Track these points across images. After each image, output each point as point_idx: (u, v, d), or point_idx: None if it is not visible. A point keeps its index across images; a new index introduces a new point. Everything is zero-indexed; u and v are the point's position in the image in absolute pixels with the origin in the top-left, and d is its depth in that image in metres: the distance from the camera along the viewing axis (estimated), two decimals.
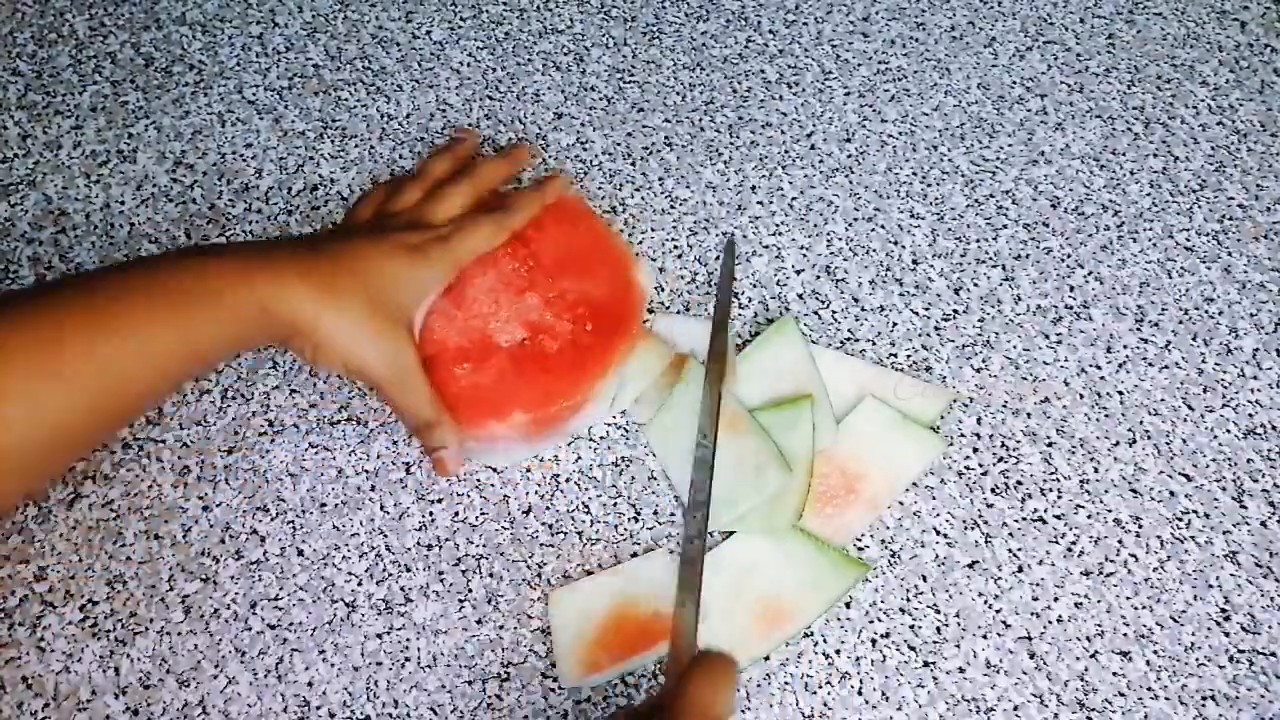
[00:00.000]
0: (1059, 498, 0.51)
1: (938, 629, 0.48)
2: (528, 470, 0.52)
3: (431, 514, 0.50)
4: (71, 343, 0.40)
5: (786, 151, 0.63)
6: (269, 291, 0.43)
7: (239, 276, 0.43)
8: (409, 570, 0.49)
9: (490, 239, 0.52)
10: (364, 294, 0.46)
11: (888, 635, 0.47)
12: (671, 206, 0.60)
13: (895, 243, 0.59)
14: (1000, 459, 0.52)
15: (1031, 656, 0.47)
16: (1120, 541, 0.50)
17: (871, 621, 0.48)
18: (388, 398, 0.47)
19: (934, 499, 0.51)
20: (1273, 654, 0.47)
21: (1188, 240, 0.60)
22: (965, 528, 0.50)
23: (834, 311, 0.57)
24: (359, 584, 0.48)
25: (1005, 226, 0.60)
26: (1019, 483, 0.52)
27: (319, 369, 0.52)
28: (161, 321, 0.42)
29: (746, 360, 0.53)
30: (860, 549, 0.49)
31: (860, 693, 0.46)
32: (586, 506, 0.51)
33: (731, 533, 0.49)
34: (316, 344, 0.45)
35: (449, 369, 0.50)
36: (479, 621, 0.48)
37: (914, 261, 0.59)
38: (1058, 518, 0.51)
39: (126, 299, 0.42)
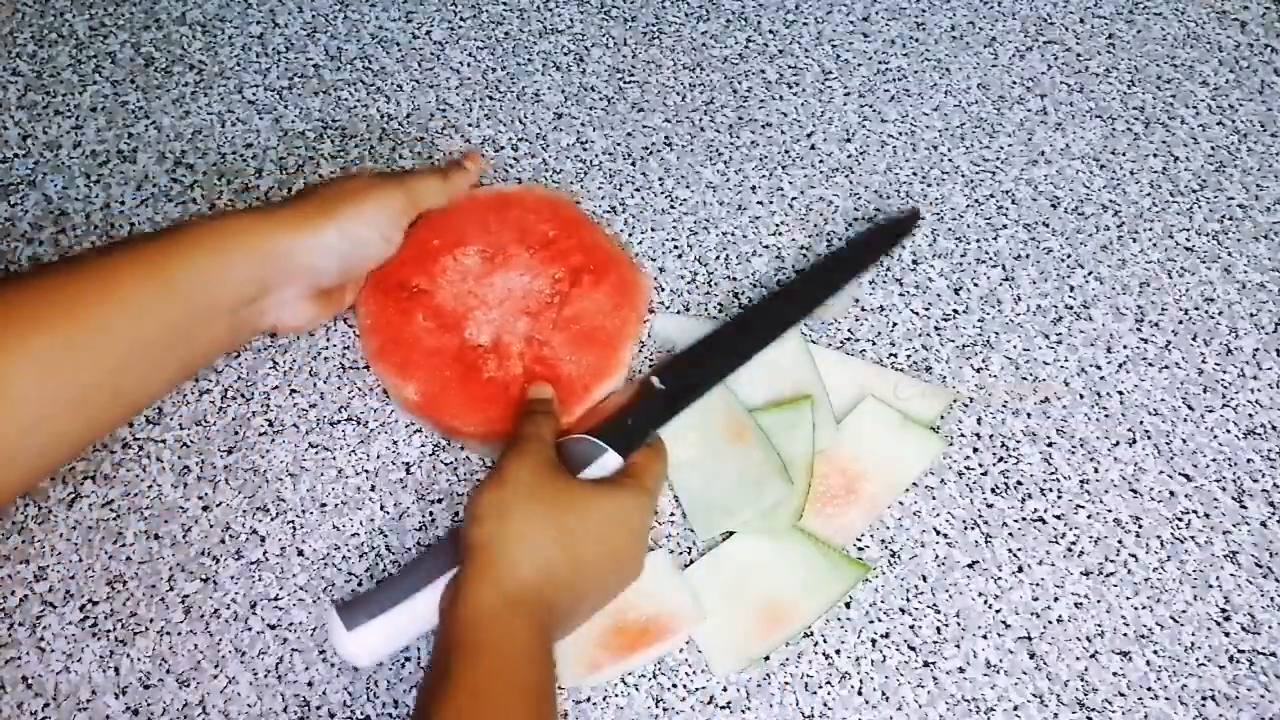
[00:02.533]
0: (1059, 498, 0.51)
1: (938, 629, 0.48)
2: None
3: (431, 514, 0.50)
4: (81, 313, 0.41)
5: (786, 151, 0.63)
6: (249, 229, 0.45)
7: (219, 234, 0.45)
8: None
9: (439, 191, 0.53)
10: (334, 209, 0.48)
11: (888, 635, 0.47)
12: (671, 206, 0.60)
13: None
14: (1000, 459, 0.52)
15: (1031, 656, 0.47)
16: (1120, 541, 0.50)
17: (871, 621, 0.48)
18: (410, 202, 0.51)
19: (934, 499, 0.51)
20: (1273, 654, 0.47)
21: (1188, 240, 0.60)
22: (965, 528, 0.50)
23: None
24: (359, 584, 0.48)
25: (1005, 226, 0.60)
26: (1019, 483, 0.52)
27: (312, 307, 0.50)
28: (159, 281, 0.43)
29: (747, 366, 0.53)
30: (860, 549, 0.49)
31: (860, 693, 0.46)
32: None
33: (731, 533, 0.49)
34: (307, 264, 0.46)
35: (408, 291, 0.53)
36: None
37: (914, 261, 0.59)
38: (1058, 518, 0.51)
39: (122, 268, 0.43)
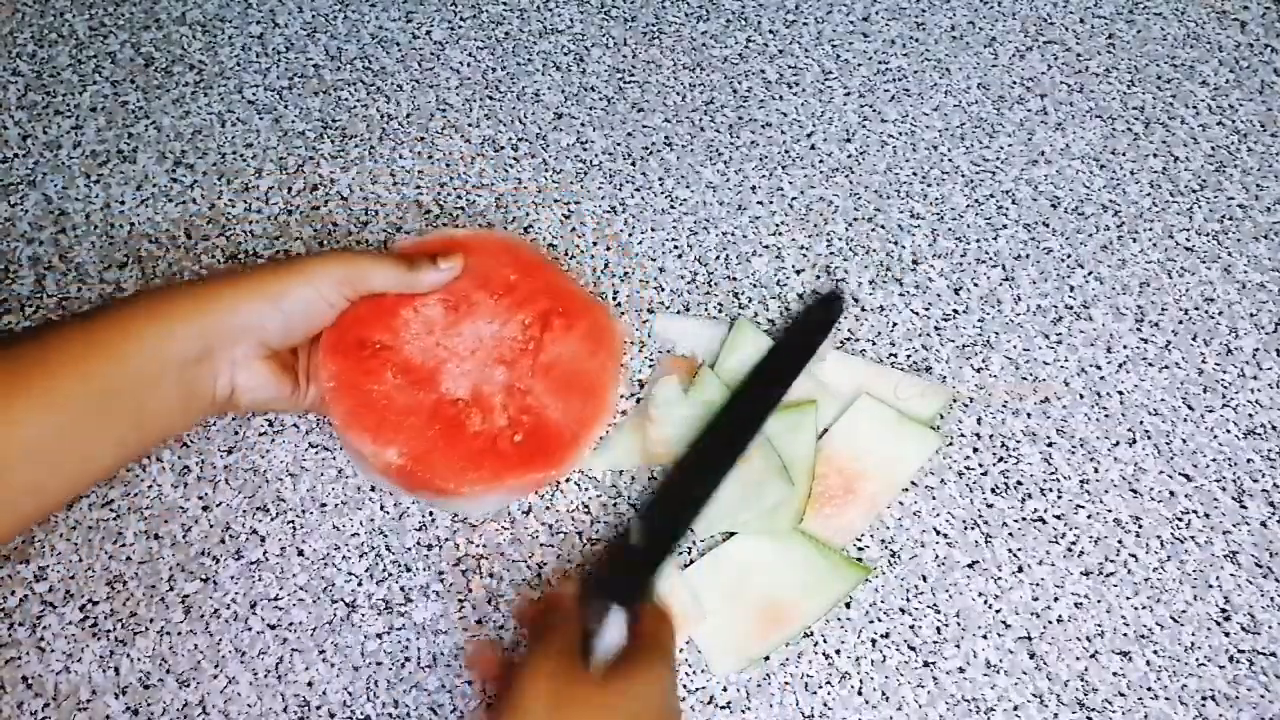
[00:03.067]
0: (1059, 498, 0.51)
1: (938, 629, 0.48)
2: None
3: (431, 514, 0.50)
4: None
5: (786, 151, 0.63)
6: (188, 292, 0.45)
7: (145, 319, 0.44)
8: (409, 570, 0.49)
9: (394, 279, 0.49)
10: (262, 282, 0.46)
11: (888, 635, 0.47)
12: (671, 206, 0.60)
13: (895, 243, 0.59)
14: (1000, 459, 0.52)
15: (1031, 656, 0.47)
16: (1120, 541, 0.50)
17: (871, 621, 0.48)
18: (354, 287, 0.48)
19: (934, 499, 0.51)
20: (1273, 654, 0.47)
21: (1188, 240, 0.60)
22: (965, 528, 0.50)
23: None
24: (359, 584, 0.48)
25: (1005, 226, 0.60)
26: (1019, 483, 0.51)
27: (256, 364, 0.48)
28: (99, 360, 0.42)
29: (721, 372, 0.53)
30: (860, 549, 0.49)
31: (860, 693, 0.46)
32: (586, 506, 0.51)
33: (732, 533, 0.49)
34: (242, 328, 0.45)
35: (367, 349, 0.49)
36: (479, 622, 0.48)
37: (914, 261, 0.59)
38: (1058, 518, 0.51)
39: (62, 335, 0.43)
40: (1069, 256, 0.59)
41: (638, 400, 0.53)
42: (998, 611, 0.48)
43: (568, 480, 0.51)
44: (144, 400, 0.43)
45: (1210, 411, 0.54)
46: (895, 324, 0.56)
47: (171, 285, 0.46)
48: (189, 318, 0.44)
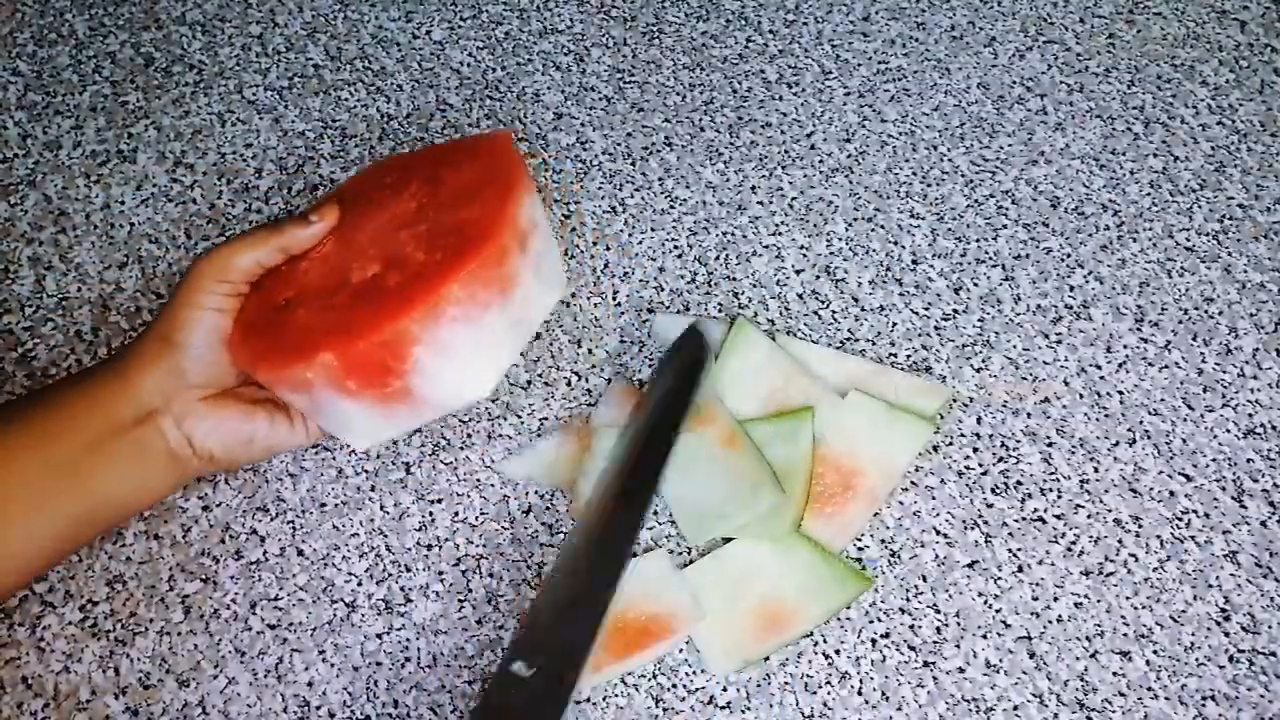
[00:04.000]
0: (1059, 498, 0.51)
1: (938, 629, 0.48)
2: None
3: (431, 514, 0.50)
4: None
5: (786, 151, 0.63)
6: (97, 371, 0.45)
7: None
8: (409, 570, 0.49)
9: (256, 251, 0.46)
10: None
11: (888, 635, 0.47)
12: (671, 206, 0.60)
13: (895, 243, 0.59)
14: (1000, 459, 0.52)
15: (1031, 656, 0.47)
16: (1120, 541, 0.50)
17: (871, 621, 0.48)
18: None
19: (934, 499, 0.51)
20: (1273, 654, 0.47)
21: (1188, 240, 0.60)
22: (965, 528, 0.50)
23: (834, 311, 0.57)
24: (359, 584, 0.48)
25: (1005, 226, 0.60)
26: (1019, 483, 0.52)
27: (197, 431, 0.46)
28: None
29: (722, 372, 0.53)
30: (860, 548, 0.49)
31: (860, 693, 0.46)
32: None
33: (732, 538, 0.49)
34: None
35: (298, 312, 0.44)
36: (479, 621, 0.48)
37: (914, 261, 0.59)
38: (1058, 518, 0.51)
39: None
40: (1069, 256, 0.59)
41: (587, 419, 0.53)
42: (998, 611, 0.48)
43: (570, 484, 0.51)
44: (89, 473, 0.43)
45: (1210, 411, 0.54)
46: (895, 324, 0.56)
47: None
48: (108, 383, 0.44)
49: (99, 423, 0.44)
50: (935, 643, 0.47)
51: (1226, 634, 0.48)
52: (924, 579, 0.49)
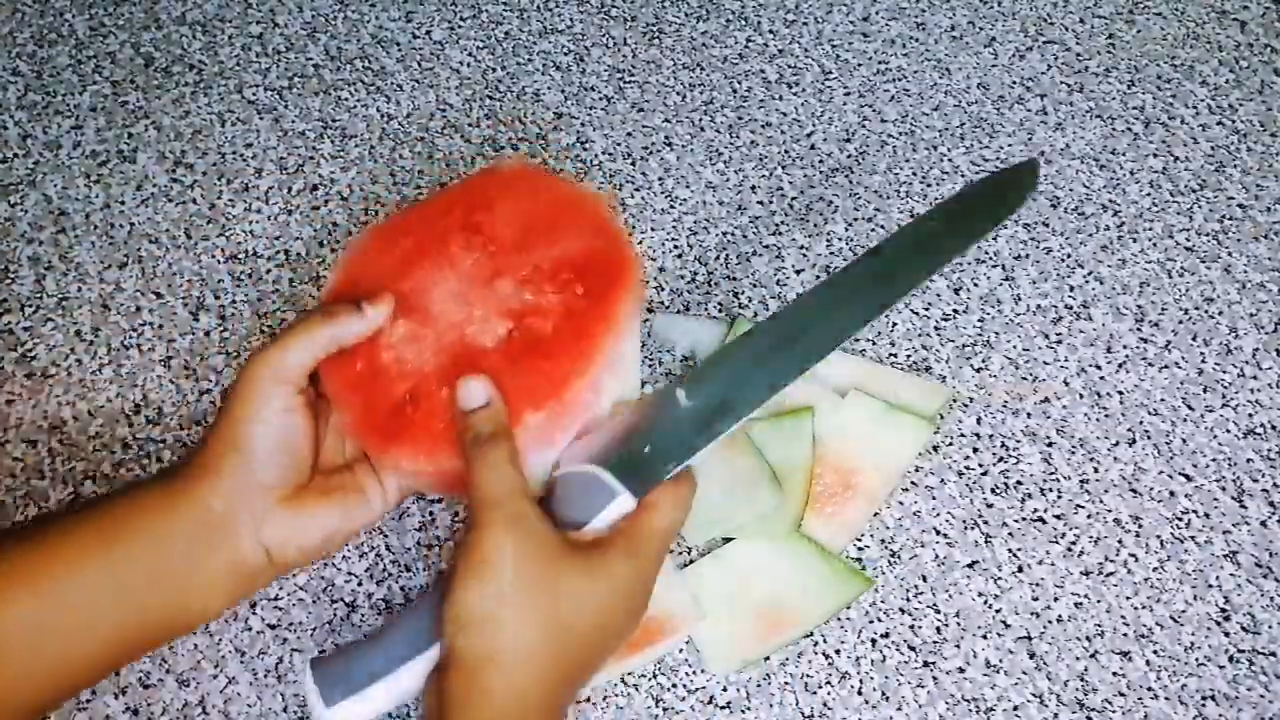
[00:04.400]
0: (1059, 498, 0.51)
1: (938, 629, 0.48)
2: None
3: (431, 514, 0.50)
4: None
5: (786, 151, 0.63)
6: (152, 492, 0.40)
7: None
8: (409, 570, 0.49)
9: (308, 347, 0.41)
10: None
11: (888, 635, 0.47)
12: (671, 206, 0.60)
13: None
14: (1000, 459, 0.52)
15: (1031, 656, 0.47)
16: (1120, 541, 0.50)
17: (871, 621, 0.48)
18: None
19: (934, 499, 0.51)
20: (1273, 654, 0.47)
21: (1188, 240, 0.60)
22: (965, 528, 0.50)
23: None
24: (359, 584, 0.48)
25: (1005, 226, 0.60)
26: (1019, 483, 0.51)
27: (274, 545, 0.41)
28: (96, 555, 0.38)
29: None
30: (860, 548, 0.49)
31: (860, 693, 0.46)
32: None
33: (732, 537, 0.49)
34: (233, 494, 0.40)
35: (436, 397, 0.41)
36: None
37: None
38: (1058, 518, 0.51)
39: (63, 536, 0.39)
40: (1069, 256, 0.59)
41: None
42: (998, 611, 0.48)
43: None
44: (152, 594, 0.39)
45: (1210, 411, 0.54)
46: (895, 324, 0.56)
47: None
48: (172, 500, 0.40)
49: (167, 544, 0.39)
50: (935, 643, 0.47)
51: (1226, 634, 0.48)
52: (924, 579, 0.49)
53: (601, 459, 0.39)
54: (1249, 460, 0.52)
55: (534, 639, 0.35)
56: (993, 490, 0.51)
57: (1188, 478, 0.52)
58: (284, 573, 0.42)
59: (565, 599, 0.36)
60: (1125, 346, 0.56)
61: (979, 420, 0.53)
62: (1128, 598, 0.48)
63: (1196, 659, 0.47)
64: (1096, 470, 0.52)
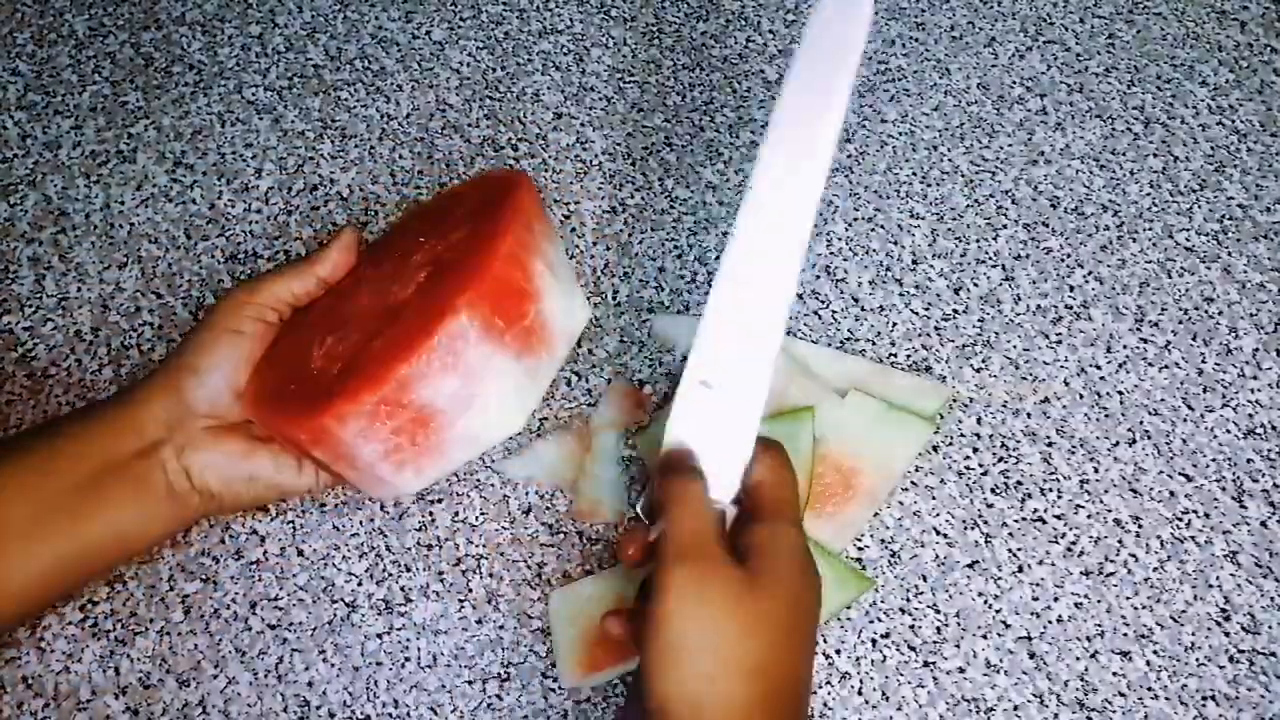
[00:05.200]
0: (1059, 498, 0.51)
1: (938, 629, 0.48)
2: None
3: (431, 514, 0.50)
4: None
5: None
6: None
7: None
8: (409, 570, 0.49)
9: (292, 280, 0.46)
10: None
11: (888, 635, 0.47)
12: (671, 206, 0.60)
13: (895, 243, 0.59)
14: (1000, 459, 0.52)
15: (1031, 656, 0.47)
16: (1120, 541, 0.50)
17: (871, 621, 0.48)
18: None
19: (934, 499, 0.51)
20: (1273, 654, 0.47)
21: (1188, 240, 0.60)
22: (965, 528, 0.50)
23: (834, 311, 0.57)
24: (359, 584, 0.48)
25: (1005, 226, 0.60)
26: (1019, 483, 0.51)
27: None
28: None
29: None
30: (860, 548, 0.49)
31: (860, 693, 0.46)
32: None
33: None
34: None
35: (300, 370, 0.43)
36: (479, 621, 0.48)
37: (914, 261, 0.59)
38: (1058, 518, 0.51)
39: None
40: (1069, 256, 0.59)
41: (587, 420, 0.53)
42: (998, 611, 0.48)
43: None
44: (83, 513, 0.41)
45: (1210, 411, 0.54)
46: (895, 324, 0.56)
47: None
48: (112, 414, 0.43)
49: (96, 457, 0.42)
50: (935, 643, 0.47)
51: (1226, 634, 0.48)
52: (924, 579, 0.49)
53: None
54: (1249, 460, 0.52)
55: (744, 672, 0.34)
56: (993, 490, 0.51)
57: (1188, 478, 0.52)
58: (217, 508, 0.45)
59: (768, 622, 0.35)
60: (1125, 346, 0.56)
61: (979, 420, 0.53)
62: (1128, 598, 0.48)
63: (1197, 659, 0.47)
64: (1096, 470, 0.52)
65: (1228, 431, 0.53)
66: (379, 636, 0.47)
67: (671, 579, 0.34)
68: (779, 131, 0.40)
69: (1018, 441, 0.53)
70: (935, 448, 0.52)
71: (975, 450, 0.52)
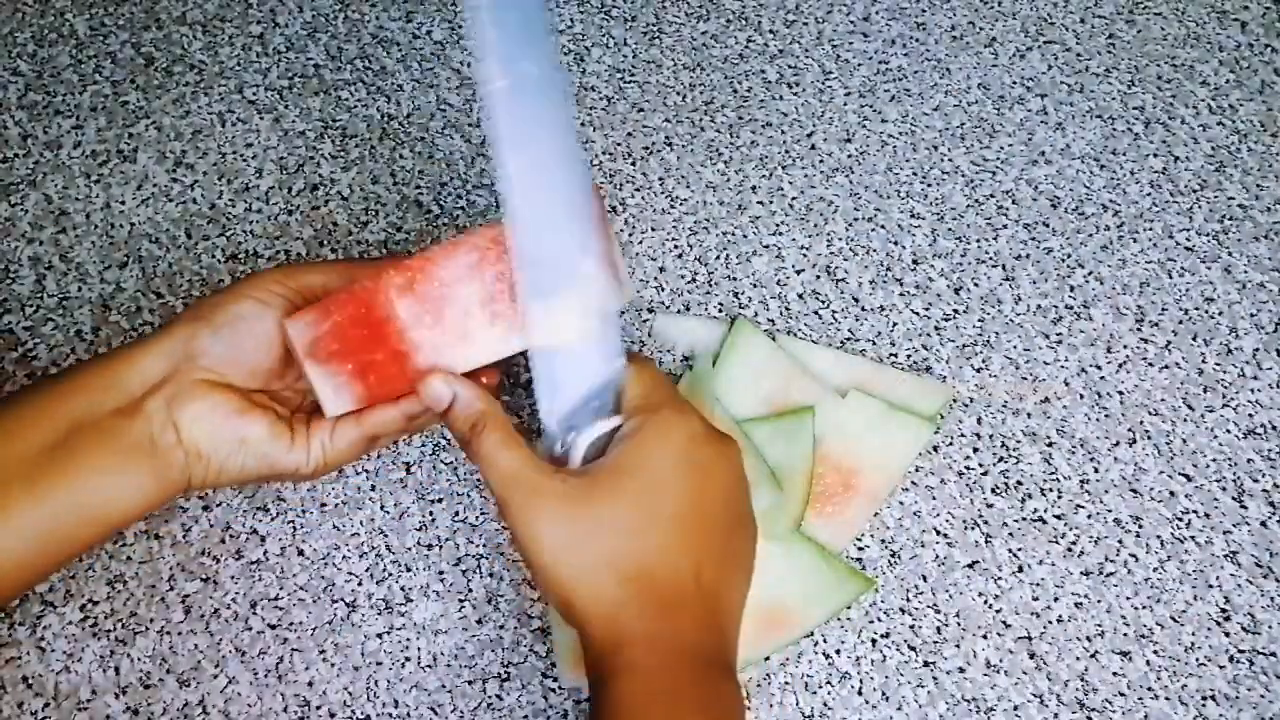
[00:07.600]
0: (1059, 498, 0.51)
1: (938, 629, 0.48)
2: None
3: (431, 514, 0.50)
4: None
5: (786, 151, 0.63)
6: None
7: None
8: (409, 570, 0.49)
9: (330, 277, 0.44)
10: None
11: (888, 635, 0.47)
12: (671, 206, 0.60)
13: (895, 243, 0.59)
14: (1000, 459, 0.52)
15: (1031, 656, 0.47)
16: (1120, 541, 0.50)
17: (871, 621, 0.48)
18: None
19: (934, 499, 0.51)
20: (1273, 654, 0.47)
21: (1188, 240, 0.60)
22: (965, 528, 0.50)
23: (834, 311, 0.57)
24: (359, 584, 0.48)
25: (1005, 226, 0.60)
26: (1019, 483, 0.51)
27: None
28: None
29: (721, 373, 0.53)
30: (860, 548, 0.49)
31: (860, 693, 0.46)
32: None
33: None
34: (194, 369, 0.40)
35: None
36: (479, 621, 0.48)
37: (914, 261, 0.59)
38: (1058, 518, 0.51)
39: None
40: (1069, 256, 0.59)
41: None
42: (998, 611, 0.48)
43: None
44: (51, 478, 0.38)
45: (1210, 411, 0.54)
46: (895, 324, 0.56)
47: None
48: (94, 368, 0.39)
49: (64, 418, 0.38)
50: (935, 643, 0.47)
51: (1227, 634, 0.48)
52: (924, 579, 0.49)
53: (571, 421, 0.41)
54: (1249, 460, 0.52)
55: (604, 580, 0.37)
56: (993, 490, 0.51)
57: (1188, 478, 0.52)
58: (205, 479, 0.41)
59: (608, 523, 0.37)
60: (1125, 346, 0.56)
61: (979, 420, 0.53)
62: (1128, 598, 0.48)
63: (1197, 659, 0.47)
64: (1096, 470, 0.52)
65: (1228, 431, 0.53)
66: (379, 636, 0.47)
67: (509, 519, 0.38)
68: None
69: (1018, 441, 0.53)
70: (935, 448, 0.52)
71: (975, 450, 0.52)
